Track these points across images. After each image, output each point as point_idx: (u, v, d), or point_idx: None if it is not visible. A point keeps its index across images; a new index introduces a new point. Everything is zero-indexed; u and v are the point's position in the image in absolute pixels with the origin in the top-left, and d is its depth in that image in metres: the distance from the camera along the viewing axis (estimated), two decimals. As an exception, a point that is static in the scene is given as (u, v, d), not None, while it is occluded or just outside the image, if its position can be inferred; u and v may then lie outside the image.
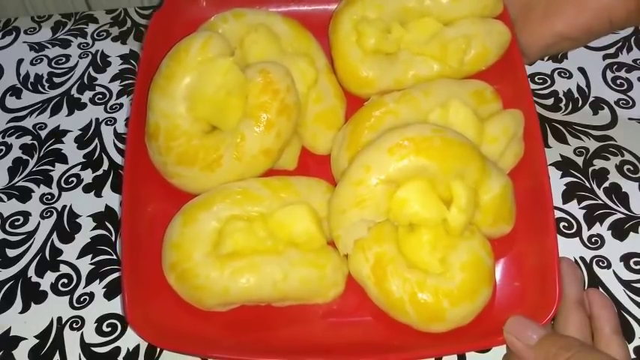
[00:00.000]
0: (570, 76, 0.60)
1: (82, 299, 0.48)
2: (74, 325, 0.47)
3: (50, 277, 0.49)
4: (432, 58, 0.50)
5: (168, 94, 0.46)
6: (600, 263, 0.48)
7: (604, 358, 0.37)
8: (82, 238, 0.51)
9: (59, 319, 0.47)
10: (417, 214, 0.41)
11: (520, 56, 0.50)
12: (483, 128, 0.45)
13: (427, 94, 0.47)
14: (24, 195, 0.54)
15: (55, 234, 0.52)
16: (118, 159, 0.56)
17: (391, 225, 0.42)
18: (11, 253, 0.51)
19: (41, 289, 0.49)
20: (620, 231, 0.49)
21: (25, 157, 0.57)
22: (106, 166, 0.56)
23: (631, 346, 0.44)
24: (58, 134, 0.59)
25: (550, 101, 0.58)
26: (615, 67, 0.61)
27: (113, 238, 0.51)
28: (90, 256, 0.50)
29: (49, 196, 0.54)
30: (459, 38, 0.49)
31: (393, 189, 0.41)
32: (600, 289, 0.46)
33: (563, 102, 0.58)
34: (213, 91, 0.45)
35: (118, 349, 0.45)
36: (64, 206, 0.53)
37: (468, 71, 0.50)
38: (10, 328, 0.47)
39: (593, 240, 0.49)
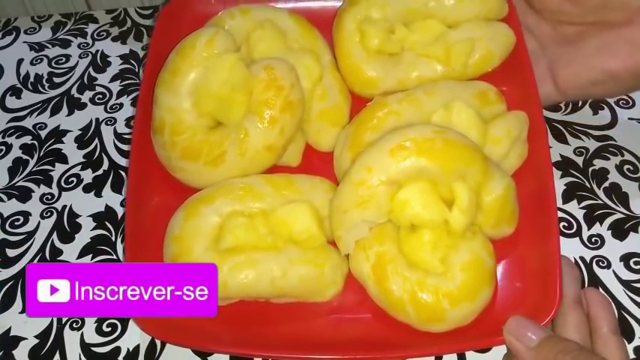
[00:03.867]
0: (570, 76, 0.60)
1: (82, 299, 0.48)
2: (74, 325, 0.47)
3: (50, 277, 0.49)
4: (436, 60, 0.49)
5: (173, 89, 0.46)
6: (600, 263, 0.48)
7: None
8: (82, 238, 0.51)
9: (59, 319, 0.47)
10: (418, 215, 0.41)
11: (528, 58, 0.49)
12: (487, 129, 0.45)
13: (430, 95, 0.47)
14: (24, 195, 0.54)
15: (55, 234, 0.52)
16: (118, 159, 0.56)
17: (393, 225, 0.42)
18: (11, 253, 0.51)
19: (41, 289, 0.49)
20: (620, 231, 0.49)
21: (25, 157, 0.57)
22: (106, 166, 0.56)
23: (631, 346, 0.44)
24: (58, 134, 0.59)
25: (550, 101, 0.58)
26: (615, 67, 0.61)
27: (113, 238, 0.51)
28: (90, 256, 0.50)
29: (49, 196, 0.54)
30: (463, 41, 0.49)
31: (395, 190, 0.41)
32: (600, 289, 0.46)
33: (563, 102, 0.58)
34: (217, 87, 0.45)
35: (118, 349, 0.45)
36: (64, 206, 0.53)
37: (472, 74, 0.50)
38: (10, 328, 0.47)
39: (593, 240, 0.49)
